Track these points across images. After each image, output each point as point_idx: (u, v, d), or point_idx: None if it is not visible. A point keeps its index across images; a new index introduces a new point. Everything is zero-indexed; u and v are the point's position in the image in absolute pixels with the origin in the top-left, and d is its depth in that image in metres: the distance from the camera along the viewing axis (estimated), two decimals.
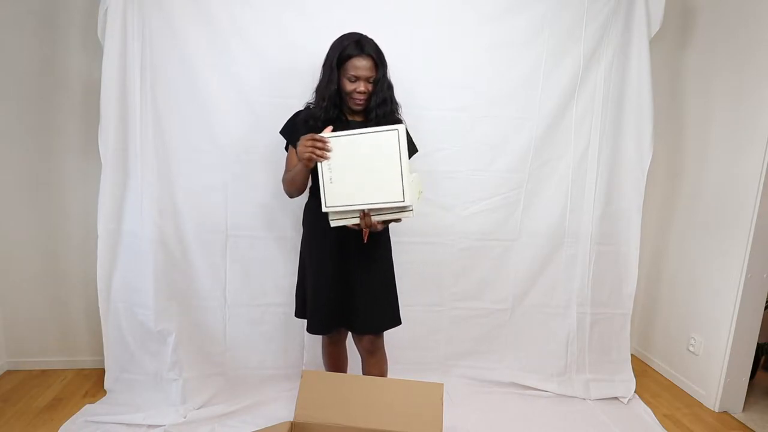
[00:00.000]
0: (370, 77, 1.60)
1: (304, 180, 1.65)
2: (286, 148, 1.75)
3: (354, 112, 1.69)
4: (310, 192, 1.75)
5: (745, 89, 2.14)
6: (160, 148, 1.98)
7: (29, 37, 2.06)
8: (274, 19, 1.97)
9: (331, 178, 1.48)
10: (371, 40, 1.62)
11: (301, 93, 1.90)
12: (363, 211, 1.49)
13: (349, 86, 1.61)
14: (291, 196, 1.73)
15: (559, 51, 2.13)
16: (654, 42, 2.17)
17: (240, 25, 1.95)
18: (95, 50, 1.98)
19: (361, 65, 1.58)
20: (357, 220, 1.51)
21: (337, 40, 1.63)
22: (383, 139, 1.45)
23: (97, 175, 1.97)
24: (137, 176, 1.97)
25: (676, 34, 2.47)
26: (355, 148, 1.47)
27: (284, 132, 1.74)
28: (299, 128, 1.65)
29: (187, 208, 2.03)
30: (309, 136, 1.49)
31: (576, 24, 2.13)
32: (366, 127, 1.59)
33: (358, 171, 1.47)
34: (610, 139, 2.23)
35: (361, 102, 1.64)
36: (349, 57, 1.58)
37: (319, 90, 1.65)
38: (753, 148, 2.08)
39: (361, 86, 1.60)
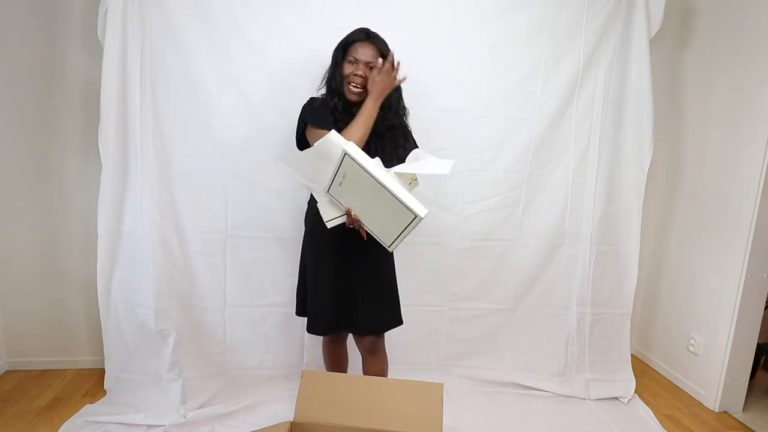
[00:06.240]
0: (371, 63, 1.58)
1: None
2: (304, 131, 1.68)
3: (351, 108, 1.62)
4: None
5: (745, 89, 2.14)
6: (160, 148, 1.98)
7: (29, 37, 2.06)
8: (274, 19, 1.97)
9: (341, 183, 1.45)
10: (379, 35, 1.63)
11: (301, 93, 1.89)
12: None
13: (348, 68, 1.59)
14: None
15: (559, 51, 2.13)
16: (654, 42, 2.17)
17: (240, 25, 1.95)
18: (95, 50, 1.98)
19: (362, 50, 1.59)
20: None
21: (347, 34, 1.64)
22: (401, 211, 1.38)
23: (97, 175, 1.97)
24: (137, 176, 1.96)
25: (676, 34, 2.47)
26: (370, 189, 1.40)
27: (309, 116, 1.64)
28: (323, 111, 1.63)
29: (187, 208, 2.03)
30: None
31: (576, 24, 2.12)
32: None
33: (366, 201, 1.44)
34: (610, 139, 2.23)
35: (357, 88, 1.59)
36: (353, 42, 1.60)
37: (328, 83, 1.66)
38: (753, 148, 2.08)
39: (360, 69, 1.58)
